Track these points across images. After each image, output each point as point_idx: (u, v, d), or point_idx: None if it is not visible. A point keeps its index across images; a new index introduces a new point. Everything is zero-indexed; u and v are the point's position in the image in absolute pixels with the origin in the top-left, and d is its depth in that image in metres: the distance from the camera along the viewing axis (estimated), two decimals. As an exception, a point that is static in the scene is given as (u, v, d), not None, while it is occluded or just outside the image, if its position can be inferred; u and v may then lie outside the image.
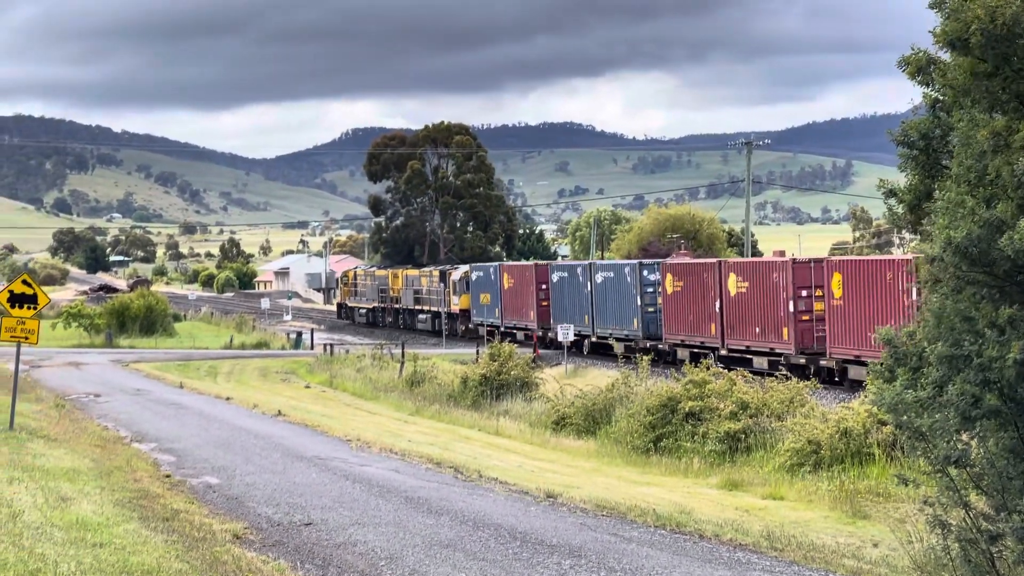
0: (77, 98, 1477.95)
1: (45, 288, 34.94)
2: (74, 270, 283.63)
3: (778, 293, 48.64)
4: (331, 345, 72.58)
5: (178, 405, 39.34)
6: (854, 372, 43.12)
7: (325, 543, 16.80)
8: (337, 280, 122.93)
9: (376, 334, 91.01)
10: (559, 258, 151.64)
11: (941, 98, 15.54)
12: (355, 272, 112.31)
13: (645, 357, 41.61)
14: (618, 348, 55.17)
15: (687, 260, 65.41)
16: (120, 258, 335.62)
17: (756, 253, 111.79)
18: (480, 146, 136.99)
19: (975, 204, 13.58)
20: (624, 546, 16.91)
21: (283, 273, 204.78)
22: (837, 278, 45.08)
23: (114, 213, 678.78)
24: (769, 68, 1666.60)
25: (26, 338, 28.51)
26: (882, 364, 15.51)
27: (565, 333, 55.86)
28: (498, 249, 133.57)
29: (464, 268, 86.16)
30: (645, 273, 58.78)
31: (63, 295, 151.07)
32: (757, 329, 49.58)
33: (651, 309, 57.75)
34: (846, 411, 27.94)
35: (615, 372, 43.29)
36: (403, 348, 63.90)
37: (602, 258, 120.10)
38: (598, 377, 49.43)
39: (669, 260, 64.00)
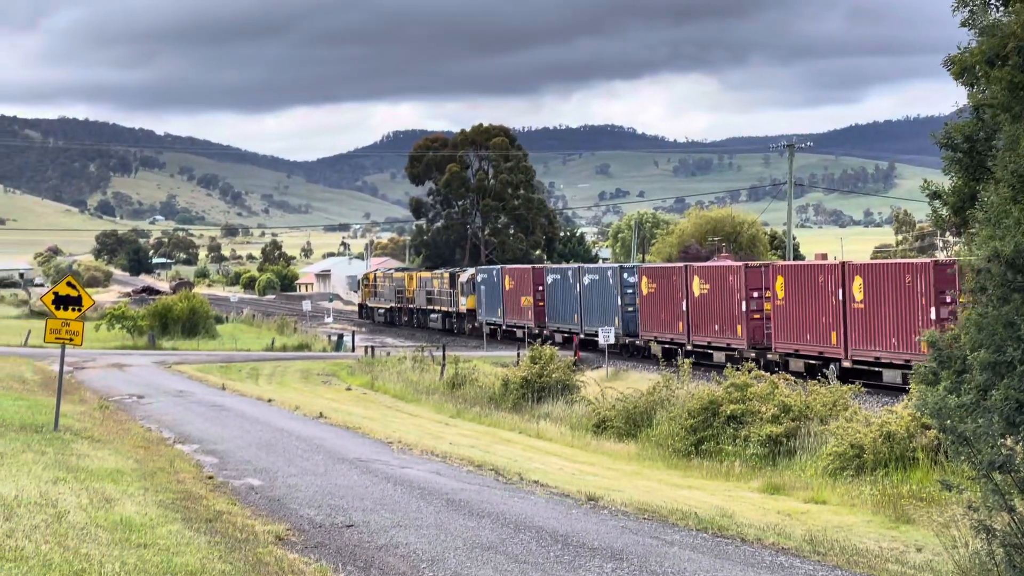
0: (121, 101, 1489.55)
1: (89, 290, 35.19)
2: (117, 272, 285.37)
3: (733, 294, 53.61)
4: (372, 347, 72.75)
5: (220, 407, 39.48)
6: (793, 364, 48.10)
7: (367, 545, 16.82)
8: (359, 282, 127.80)
9: (401, 334, 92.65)
10: (600, 261, 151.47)
11: (989, 103, 15.44)
12: (375, 274, 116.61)
13: (687, 360, 41.55)
14: (603, 344, 57.95)
15: (659, 264, 72.52)
16: (162, 260, 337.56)
17: (798, 256, 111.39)
18: (520, 148, 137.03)
19: (1020, 213, 13.48)
20: (666, 549, 16.87)
21: (324, 275, 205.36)
22: (780, 281, 50.12)
23: (157, 215, 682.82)
24: (811, 70, 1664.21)
25: (70, 340, 28.66)
26: (925, 367, 15.43)
27: (606, 335, 55.88)
28: (539, 252, 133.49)
29: (471, 271, 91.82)
30: (625, 276, 64.59)
31: (106, 297, 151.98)
32: (716, 327, 54.80)
33: (630, 309, 63.74)
34: (889, 415, 27.79)
35: (656, 375, 43.35)
36: (444, 351, 63.97)
37: (643, 261, 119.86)
38: (639, 380, 49.35)
39: (645, 264, 71.17)
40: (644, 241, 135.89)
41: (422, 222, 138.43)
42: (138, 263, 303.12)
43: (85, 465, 21.66)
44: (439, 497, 20.97)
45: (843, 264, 47.41)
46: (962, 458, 14.38)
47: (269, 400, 42.75)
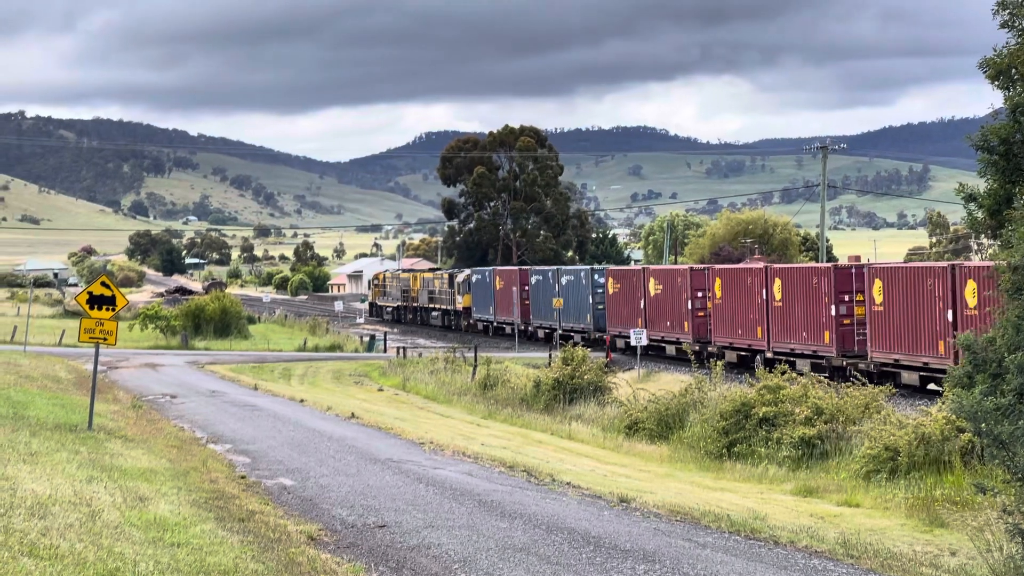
0: (155, 102, 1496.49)
1: (122, 290, 35.30)
2: (150, 272, 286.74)
3: (682, 294, 60.83)
4: (404, 348, 72.85)
5: (253, 407, 39.58)
6: (728, 356, 55.61)
7: (399, 545, 16.84)
8: (369, 282, 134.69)
9: (433, 335, 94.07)
10: (632, 263, 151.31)
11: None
12: (384, 275, 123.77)
13: (719, 362, 41.47)
14: (577, 337, 66.51)
15: (622, 268, 79.94)
16: (195, 260, 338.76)
17: (831, 258, 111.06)
18: (551, 148, 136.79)
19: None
20: (698, 552, 16.83)
21: (356, 276, 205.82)
22: (718, 282, 57.38)
23: (190, 216, 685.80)
24: (843, 72, 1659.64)
25: (104, 339, 28.77)
26: (960, 370, 15.36)
27: (638, 337, 55.87)
28: (571, 254, 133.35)
29: (467, 271, 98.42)
30: (595, 277, 72.02)
31: (140, 297, 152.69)
32: (668, 323, 62.26)
33: (600, 307, 71.08)
34: (924, 417, 27.64)
35: (688, 377, 43.27)
36: (476, 352, 63.99)
37: (675, 263, 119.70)
38: (671, 382, 49.26)
39: (612, 267, 79.08)
40: (676, 243, 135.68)
41: (454, 223, 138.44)
42: (171, 263, 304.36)
43: (119, 464, 21.74)
44: (471, 498, 20.97)
45: (765, 268, 54.90)
46: (997, 461, 14.29)
47: (301, 400, 42.84)
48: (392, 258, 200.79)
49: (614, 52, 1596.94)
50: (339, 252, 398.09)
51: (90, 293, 28.98)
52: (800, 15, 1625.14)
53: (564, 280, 76.25)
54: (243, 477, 22.76)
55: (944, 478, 25.17)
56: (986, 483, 15.86)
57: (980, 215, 16.76)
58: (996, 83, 16.43)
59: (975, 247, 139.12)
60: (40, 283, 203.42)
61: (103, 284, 29.32)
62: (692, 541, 17.61)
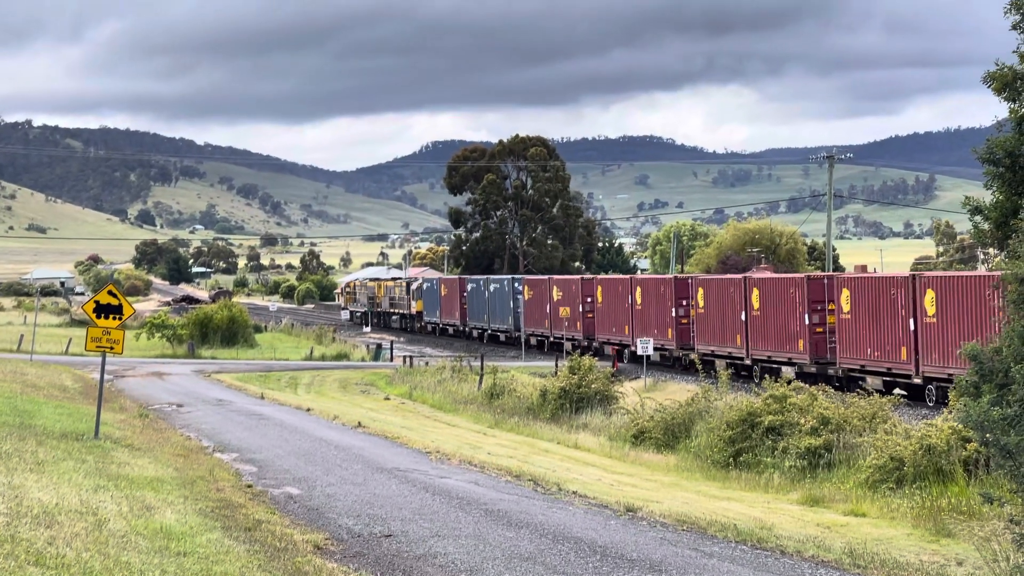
0: (162, 111, 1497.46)
1: (129, 299, 35.33)
2: (157, 281, 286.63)
3: (576, 299, 73.57)
4: (411, 357, 72.87)
5: (259, 416, 39.59)
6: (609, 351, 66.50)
7: (405, 555, 16.84)
8: (343, 289, 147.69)
9: (439, 343, 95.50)
10: (638, 271, 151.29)
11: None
12: (354, 284, 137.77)
13: (724, 372, 41.48)
14: (502, 338, 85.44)
15: (534, 277, 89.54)
16: (202, 269, 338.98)
17: (838, 268, 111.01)
18: (558, 158, 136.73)
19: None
20: (705, 561, 16.82)
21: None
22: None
23: (196, 225, 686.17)
24: (849, 82, 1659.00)
25: (111, 348, 28.80)
26: (966, 380, 15.36)
27: (645, 347, 55.82)
28: (577, 263, 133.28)
29: (419, 280, 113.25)
30: (516, 285, 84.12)
31: (146, 306, 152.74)
32: (567, 323, 74.97)
33: (519, 310, 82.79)
34: (930, 428, 27.60)
35: (694, 386, 43.27)
36: (482, 361, 64.01)
37: (682, 272, 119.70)
38: (677, 391, 49.24)
39: (527, 276, 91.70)
40: (683, 252, 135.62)
41: (461, 232, 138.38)
42: (178, 272, 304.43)
43: (125, 473, 21.76)
44: (477, 507, 20.97)
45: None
46: (1003, 471, 14.28)
47: (308, 409, 42.85)
48: (399, 267, 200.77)
49: (620, 62, 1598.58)
50: (346, 261, 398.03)
51: (97, 302, 29.01)
52: (806, 25, 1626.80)
53: (492, 288, 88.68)
54: (250, 486, 22.77)
55: (949, 488, 25.14)
56: (993, 493, 15.84)
57: (986, 227, 16.77)
58: (1002, 95, 16.45)
59: (981, 257, 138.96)
60: (47, 292, 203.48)
61: (110, 293, 29.34)
62: (699, 550, 17.61)
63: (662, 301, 62.44)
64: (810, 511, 24.28)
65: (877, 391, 44.23)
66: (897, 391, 42.89)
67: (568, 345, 73.19)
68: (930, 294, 41.93)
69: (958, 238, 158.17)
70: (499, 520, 19.70)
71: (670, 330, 60.98)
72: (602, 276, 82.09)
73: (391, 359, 77.60)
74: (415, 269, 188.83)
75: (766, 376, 43.81)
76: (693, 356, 56.52)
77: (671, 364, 61.27)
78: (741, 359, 54.35)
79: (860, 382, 45.37)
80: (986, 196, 16.66)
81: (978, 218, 16.79)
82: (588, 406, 45.96)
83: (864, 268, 62.76)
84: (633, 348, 61.67)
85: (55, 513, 15.87)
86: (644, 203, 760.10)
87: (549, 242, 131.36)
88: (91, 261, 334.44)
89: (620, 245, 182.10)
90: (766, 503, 25.51)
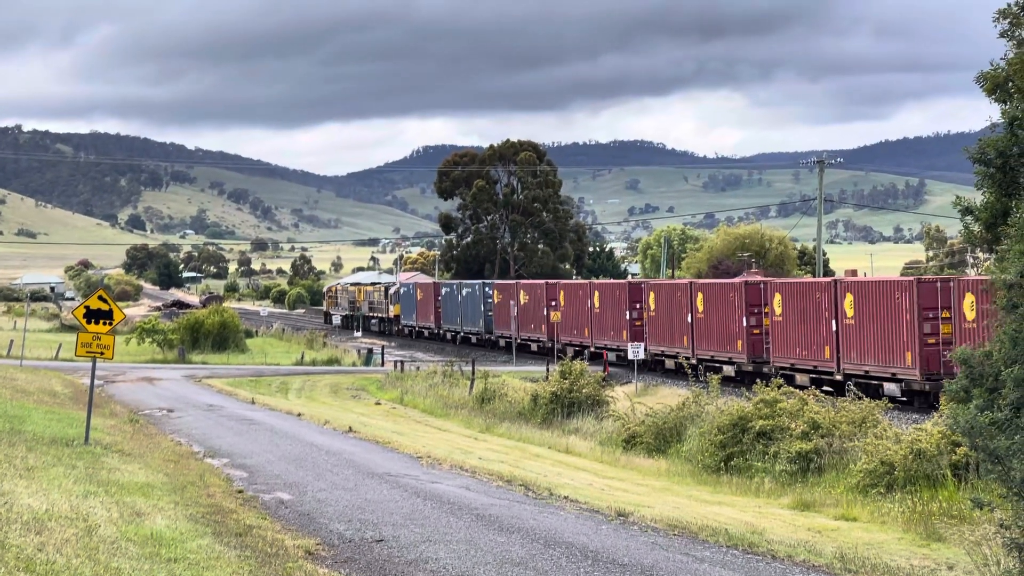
0: (152, 116, 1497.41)
1: (119, 304, 35.29)
2: (147, 286, 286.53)
3: (539, 304, 79.05)
4: (402, 362, 72.80)
5: (250, 421, 39.53)
6: (570, 352, 68.20)
7: (396, 560, 16.82)
8: (324, 293, 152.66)
9: (431, 348, 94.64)
10: (629, 276, 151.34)
11: (1021, 116, 15.37)
12: (336, 288, 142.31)
13: (715, 376, 41.49)
14: (474, 340, 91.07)
15: (503, 281, 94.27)
16: (192, 274, 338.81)
17: (828, 272, 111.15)
18: (549, 163, 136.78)
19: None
20: (696, 566, 16.82)
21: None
22: (562, 294, 75.28)
23: (187, 229, 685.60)
24: (839, 87, 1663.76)
25: (101, 353, 28.75)
26: (956, 384, 15.36)
27: (636, 352, 55.91)
28: (568, 267, 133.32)
29: (397, 285, 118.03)
30: (486, 289, 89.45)
31: (137, 311, 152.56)
32: (532, 326, 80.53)
33: (489, 313, 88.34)
34: (920, 432, 27.63)
35: (685, 391, 43.29)
36: (473, 366, 63.96)
37: (672, 276, 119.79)
38: (668, 396, 49.25)
39: (496, 281, 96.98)
40: (674, 257, 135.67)
41: (451, 237, 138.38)
42: (168, 277, 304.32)
43: (115, 479, 21.72)
44: (469, 512, 20.95)
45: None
46: (993, 476, 14.29)
47: (299, 414, 42.79)
48: (389, 272, 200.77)
49: (611, 67, 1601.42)
50: (336, 266, 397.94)
51: (87, 307, 28.95)
52: (796, 30, 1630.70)
53: (464, 292, 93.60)
54: (240, 491, 22.73)
55: (939, 493, 25.17)
56: (984, 497, 15.84)
57: (976, 228, 16.76)
58: (993, 96, 16.46)
59: (971, 260, 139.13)
60: (37, 297, 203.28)
61: (100, 298, 29.28)
62: (690, 555, 17.60)
63: (618, 305, 66.98)
64: (801, 515, 24.29)
65: (802, 387, 45.69)
66: (825, 388, 43.98)
67: (534, 347, 79.48)
68: (849, 297, 46.28)
69: (948, 242, 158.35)
70: (490, 525, 19.68)
71: (625, 332, 65.19)
72: (564, 281, 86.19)
73: (382, 364, 77.54)
74: (406, 274, 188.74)
75: (708, 373, 49.27)
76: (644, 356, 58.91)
77: (626, 364, 63.01)
78: (688, 358, 57.24)
79: (790, 379, 47.43)
80: (977, 197, 16.64)
81: (968, 219, 16.76)
82: (579, 411, 45.91)
83: (854, 273, 63.24)
84: (592, 349, 68.82)
85: (45, 519, 15.84)
86: (635, 208, 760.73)
87: (540, 247, 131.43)
88: (81, 266, 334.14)
89: (611, 250, 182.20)
90: (757, 508, 25.52)
